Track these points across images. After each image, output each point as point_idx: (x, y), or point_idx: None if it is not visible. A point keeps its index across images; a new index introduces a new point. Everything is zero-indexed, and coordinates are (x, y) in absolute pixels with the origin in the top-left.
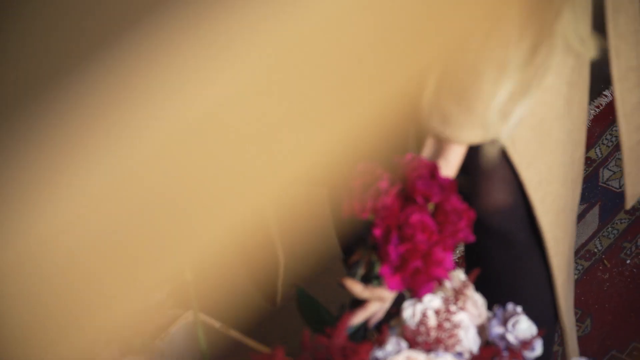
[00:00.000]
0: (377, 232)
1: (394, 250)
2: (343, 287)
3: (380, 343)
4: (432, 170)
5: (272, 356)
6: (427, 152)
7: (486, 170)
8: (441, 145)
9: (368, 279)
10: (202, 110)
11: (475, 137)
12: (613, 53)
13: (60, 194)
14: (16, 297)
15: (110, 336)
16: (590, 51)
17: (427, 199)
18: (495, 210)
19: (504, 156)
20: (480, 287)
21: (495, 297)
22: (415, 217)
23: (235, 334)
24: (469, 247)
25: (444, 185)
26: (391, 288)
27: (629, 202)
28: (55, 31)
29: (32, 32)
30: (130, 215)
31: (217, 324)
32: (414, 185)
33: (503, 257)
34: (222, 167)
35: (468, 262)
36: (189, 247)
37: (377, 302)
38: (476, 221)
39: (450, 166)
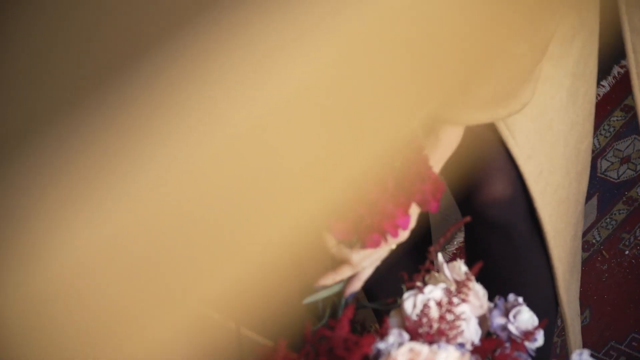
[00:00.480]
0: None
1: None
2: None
3: (382, 335)
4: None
5: (275, 349)
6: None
7: (485, 162)
8: (434, 123)
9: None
10: (260, 111)
11: (471, 118)
12: (629, 48)
13: (95, 215)
14: (41, 326)
15: None
16: None
17: None
18: (495, 202)
19: (503, 148)
20: (480, 279)
21: (495, 289)
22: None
23: (234, 325)
24: (468, 240)
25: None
26: (335, 234)
27: None
28: (105, 29)
29: (82, 31)
30: (172, 233)
31: (216, 316)
32: None
33: (503, 249)
34: (282, 170)
35: (468, 255)
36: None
37: (348, 267)
38: (476, 213)
39: (440, 144)
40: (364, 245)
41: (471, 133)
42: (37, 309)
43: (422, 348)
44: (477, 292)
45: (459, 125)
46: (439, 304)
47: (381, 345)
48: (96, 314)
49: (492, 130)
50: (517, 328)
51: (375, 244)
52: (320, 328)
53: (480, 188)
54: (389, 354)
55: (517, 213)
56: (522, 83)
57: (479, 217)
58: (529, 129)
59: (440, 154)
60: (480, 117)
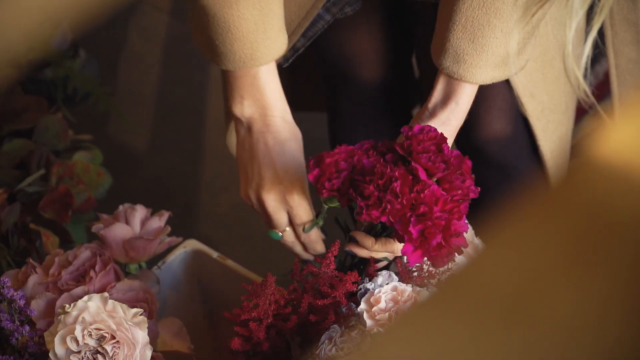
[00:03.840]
0: (389, 219)
1: (414, 230)
2: (354, 240)
3: (371, 276)
4: (439, 143)
5: (264, 284)
6: (438, 93)
7: (485, 100)
8: (452, 85)
9: (374, 232)
10: None
11: (488, 77)
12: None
13: None
14: None
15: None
16: None
17: (431, 175)
18: (494, 139)
19: (505, 86)
20: (477, 216)
21: None
22: (427, 193)
23: (231, 263)
24: None
25: (449, 161)
26: (413, 263)
27: None
28: None
29: None
30: None
31: (214, 254)
32: (419, 160)
33: (501, 188)
34: None
35: None
36: None
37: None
38: (475, 151)
39: (460, 107)
40: (438, 265)
41: None
42: None
43: (406, 288)
44: (477, 246)
45: (476, 84)
46: None
47: (369, 285)
48: None
49: None
50: None
51: (451, 259)
52: (307, 266)
53: (480, 125)
54: (373, 292)
55: (517, 153)
56: (531, 37)
57: (477, 153)
58: (532, 68)
59: (461, 118)
60: (496, 75)
